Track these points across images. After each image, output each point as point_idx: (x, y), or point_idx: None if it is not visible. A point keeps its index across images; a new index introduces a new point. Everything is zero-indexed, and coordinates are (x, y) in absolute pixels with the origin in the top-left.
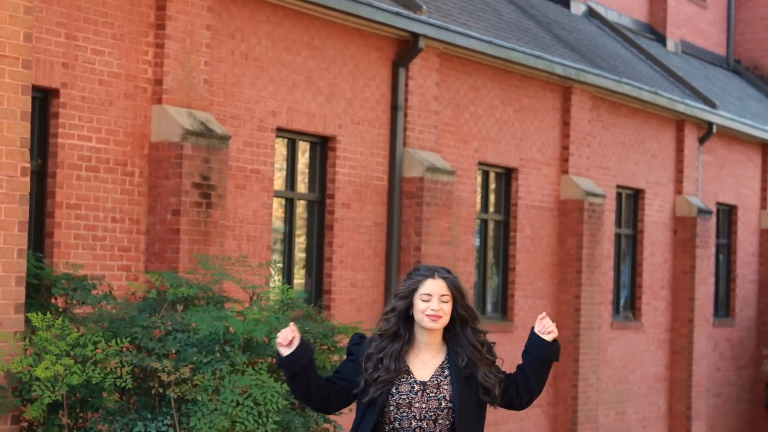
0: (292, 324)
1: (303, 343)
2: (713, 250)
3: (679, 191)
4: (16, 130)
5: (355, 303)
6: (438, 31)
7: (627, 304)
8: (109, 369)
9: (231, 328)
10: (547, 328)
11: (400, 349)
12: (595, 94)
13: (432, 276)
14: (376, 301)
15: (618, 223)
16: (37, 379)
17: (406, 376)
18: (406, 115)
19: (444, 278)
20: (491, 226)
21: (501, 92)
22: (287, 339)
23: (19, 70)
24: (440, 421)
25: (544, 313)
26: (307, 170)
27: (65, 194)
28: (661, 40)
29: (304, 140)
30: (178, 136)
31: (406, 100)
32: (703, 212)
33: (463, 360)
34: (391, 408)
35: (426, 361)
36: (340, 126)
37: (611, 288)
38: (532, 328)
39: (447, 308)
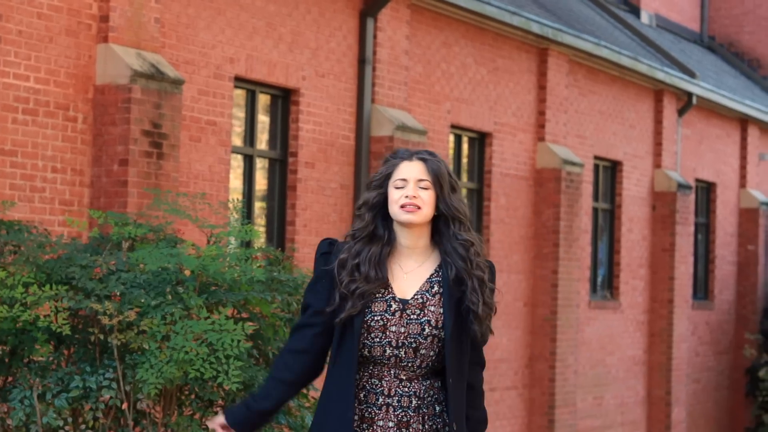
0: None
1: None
2: (693, 227)
3: (657, 165)
4: None
5: None
6: None
7: (604, 282)
8: (42, 315)
9: (186, 270)
10: None
11: (380, 251)
12: (572, 57)
13: (409, 158)
14: None
15: (595, 197)
16: None
17: (382, 291)
18: (374, 69)
19: (423, 159)
20: (464, 194)
21: (474, 51)
22: None
23: None
24: (422, 351)
25: None
26: (267, 125)
27: None
28: (635, 12)
29: (264, 92)
30: (126, 78)
31: (374, 53)
32: (682, 187)
33: (452, 271)
34: (361, 331)
35: (408, 272)
36: (304, 78)
37: (588, 265)
38: None
39: (427, 197)
